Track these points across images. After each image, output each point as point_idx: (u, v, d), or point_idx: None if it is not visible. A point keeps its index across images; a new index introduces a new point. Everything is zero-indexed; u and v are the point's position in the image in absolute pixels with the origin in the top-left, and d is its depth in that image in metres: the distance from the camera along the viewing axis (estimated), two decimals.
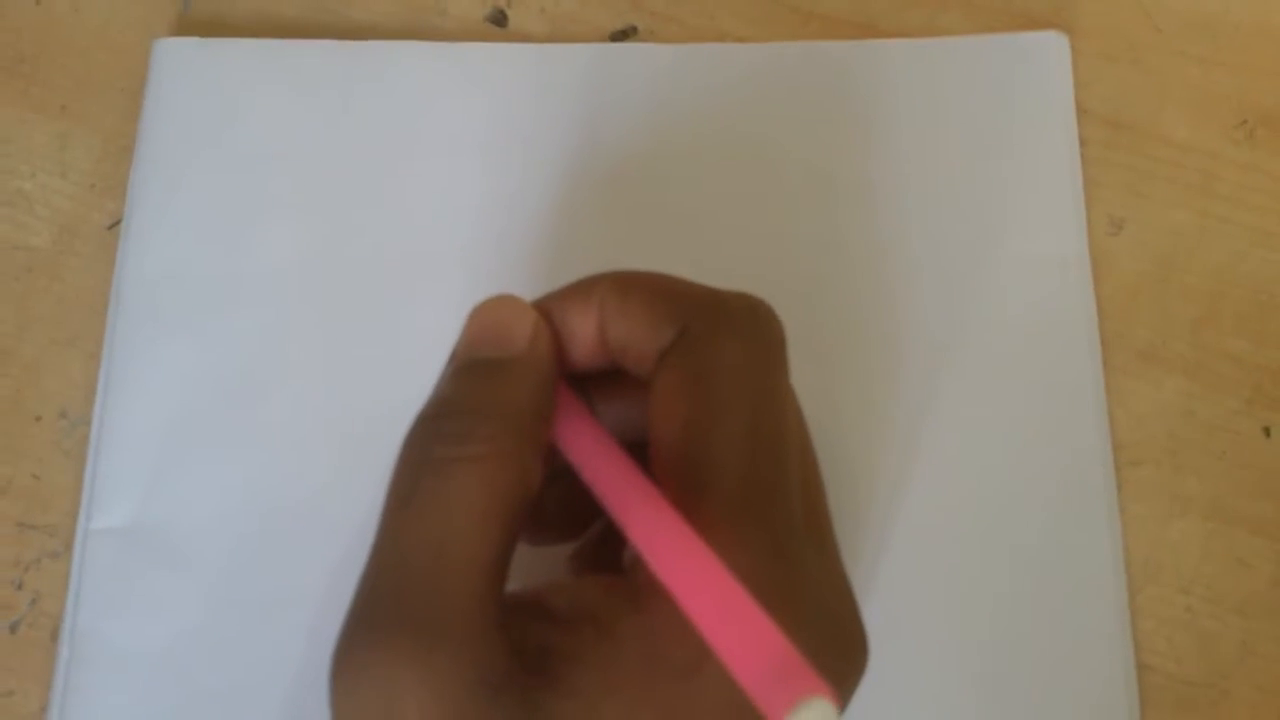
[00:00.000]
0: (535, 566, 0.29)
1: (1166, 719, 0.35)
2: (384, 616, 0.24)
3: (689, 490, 0.25)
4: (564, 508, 0.30)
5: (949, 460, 0.37)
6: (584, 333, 0.28)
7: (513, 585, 0.26)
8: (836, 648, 0.25)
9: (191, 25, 0.43)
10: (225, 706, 0.35)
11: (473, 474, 0.25)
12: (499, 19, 0.43)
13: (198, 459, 0.37)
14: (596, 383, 0.29)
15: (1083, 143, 0.41)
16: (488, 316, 0.28)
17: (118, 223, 0.40)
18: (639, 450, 0.27)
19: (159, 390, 0.38)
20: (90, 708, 0.35)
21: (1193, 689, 0.35)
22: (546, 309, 0.28)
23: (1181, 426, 0.38)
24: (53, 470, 0.38)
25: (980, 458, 0.37)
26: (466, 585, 0.24)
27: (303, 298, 0.39)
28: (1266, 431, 0.38)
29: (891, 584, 0.36)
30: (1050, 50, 0.41)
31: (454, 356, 0.28)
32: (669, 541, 0.23)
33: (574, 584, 0.26)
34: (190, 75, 0.41)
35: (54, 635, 0.36)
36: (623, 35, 0.43)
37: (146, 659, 0.35)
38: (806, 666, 0.20)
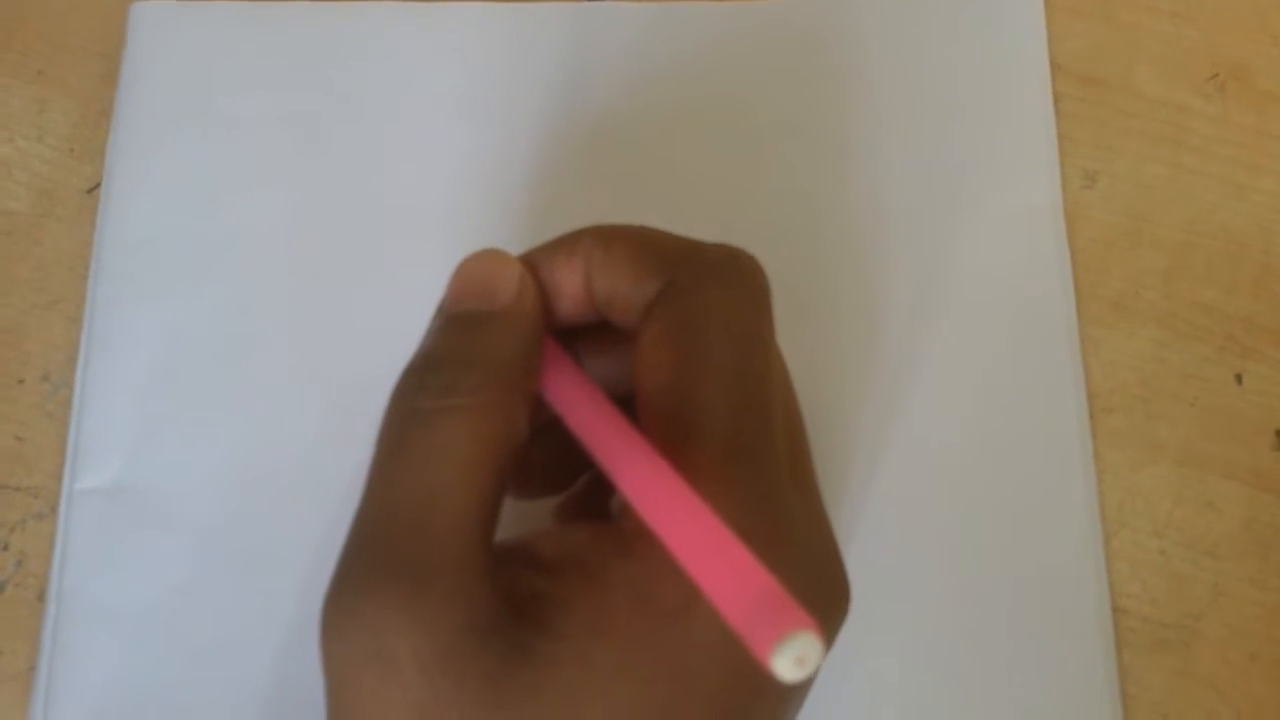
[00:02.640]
0: (524, 522, 0.30)
1: (1141, 659, 0.36)
2: (375, 563, 0.24)
3: (675, 438, 0.25)
4: (551, 462, 0.30)
5: (927, 409, 0.37)
6: (570, 286, 0.28)
7: (501, 536, 0.26)
8: (820, 590, 0.26)
9: None
10: (212, 663, 0.35)
11: (459, 424, 0.25)
12: None
13: (181, 419, 0.37)
14: (583, 336, 0.30)
15: (1056, 97, 0.41)
16: (474, 270, 0.28)
17: (97, 186, 0.40)
18: (626, 404, 0.27)
19: (140, 352, 0.38)
20: (78, 666, 0.35)
21: (1166, 630, 0.36)
22: (532, 263, 0.28)
23: (1154, 374, 0.38)
24: (36, 433, 0.38)
25: (957, 407, 0.38)
26: (456, 532, 0.24)
27: (284, 259, 0.39)
28: (1238, 379, 0.38)
29: (872, 531, 0.36)
30: (1023, 6, 0.42)
31: (440, 310, 0.28)
32: (656, 485, 0.24)
33: (561, 531, 0.27)
34: (167, 38, 0.41)
35: (41, 595, 0.36)
36: None
37: (133, 617, 0.35)
38: (792, 602, 0.21)
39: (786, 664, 0.20)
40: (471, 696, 0.23)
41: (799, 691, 0.27)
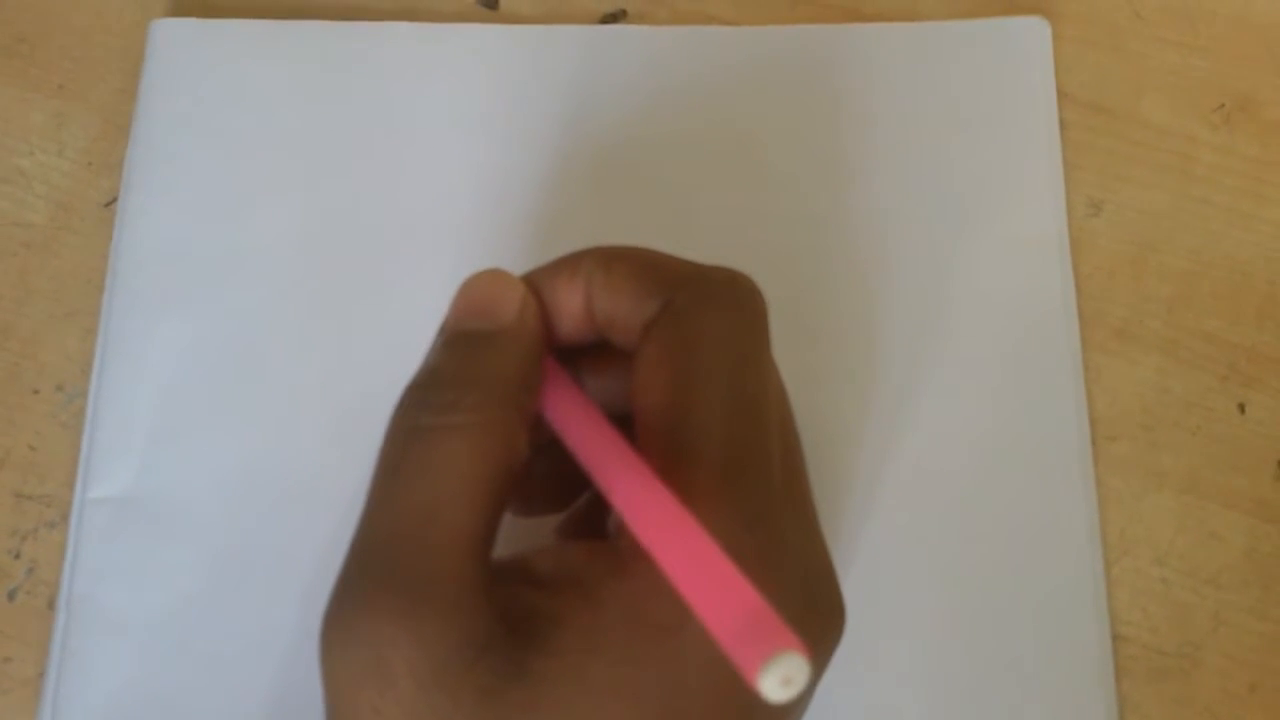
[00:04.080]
0: (526, 540, 0.30)
1: (1141, 688, 0.36)
2: (374, 578, 0.24)
3: (671, 457, 0.25)
4: (551, 480, 0.31)
5: (930, 435, 0.38)
6: (571, 306, 0.29)
7: (502, 552, 0.26)
8: (813, 612, 0.26)
9: (188, 6, 0.43)
10: (218, 672, 0.35)
11: (460, 442, 0.26)
12: (491, 1, 0.43)
13: (192, 431, 0.38)
14: (584, 356, 0.30)
15: (1063, 126, 0.41)
16: (477, 289, 0.28)
17: (114, 200, 0.41)
18: (625, 423, 0.27)
19: (154, 364, 0.38)
20: (87, 673, 0.35)
21: (1166, 658, 0.36)
22: (534, 283, 0.29)
23: (1157, 403, 0.38)
24: (50, 442, 0.38)
25: (960, 433, 0.38)
26: (454, 549, 0.25)
27: (296, 274, 0.39)
28: (1241, 408, 0.38)
29: (872, 556, 0.36)
30: (1032, 35, 0.42)
31: (443, 328, 0.28)
32: (649, 504, 0.24)
33: (558, 549, 0.27)
34: (186, 55, 0.42)
35: (51, 603, 0.37)
36: (613, 18, 0.43)
37: (142, 625, 0.36)
38: (781, 623, 0.21)
39: (773, 684, 0.20)
40: (466, 711, 0.23)
41: (793, 714, 0.27)
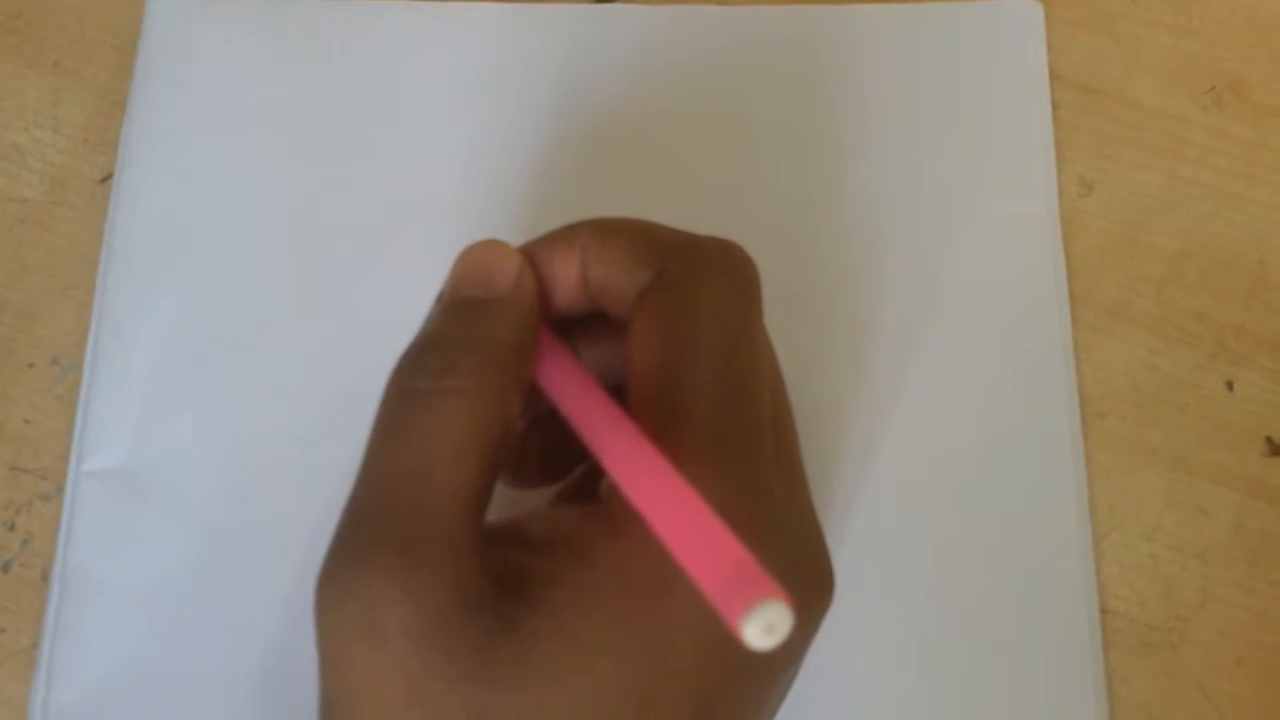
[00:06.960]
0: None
1: (1128, 660, 0.36)
2: (369, 536, 0.25)
3: (662, 421, 0.26)
4: (547, 452, 0.31)
5: (921, 411, 0.38)
6: (566, 276, 0.29)
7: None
8: (801, 576, 0.26)
9: None
10: (212, 643, 0.35)
11: (455, 404, 0.26)
12: None
13: (187, 404, 0.38)
14: (579, 327, 0.30)
15: (1055, 106, 0.42)
16: (474, 258, 0.29)
17: (109, 176, 0.41)
18: (620, 394, 0.27)
19: (149, 338, 0.38)
20: (80, 644, 0.35)
21: (1154, 632, 0.36)
22: (531, 253, 0.29)
23: (1146, 380, 0.39)
24: (45, 415, 0.38)
25: (951, 409, 0.38)
26: (448, 509, 0.25)
27: (291, 249, 0.40)
28: (1229, 385, 0.39)
29: (863, 532, 0.37)
30: (1024, 16, 0.43)
31: (441, 296, 0.29)
32: (639, 463, 0.24)
33: (551, 513, 0.27)
34: (182, 32, 0.42)
35: (45, 575, 0.37)
36: None
37: (135, 597, 0.36)
38: (764, 572, 0.21)
39: (755, 631, 0.20)
40: (458, 667, 0.23)
41: (781, 679, 0.27)
